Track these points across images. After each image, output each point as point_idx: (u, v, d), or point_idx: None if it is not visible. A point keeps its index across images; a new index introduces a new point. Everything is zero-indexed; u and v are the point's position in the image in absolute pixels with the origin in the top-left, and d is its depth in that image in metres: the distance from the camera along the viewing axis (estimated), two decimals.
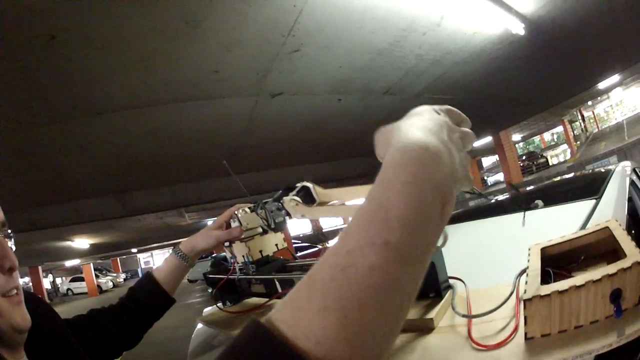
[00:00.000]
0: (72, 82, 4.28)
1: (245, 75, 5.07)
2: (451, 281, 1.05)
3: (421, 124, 0.52)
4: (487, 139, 18.52)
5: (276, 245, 1.52)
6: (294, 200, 1.20)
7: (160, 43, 4.04)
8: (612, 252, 0.75)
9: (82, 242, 17.55)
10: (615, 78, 13.37)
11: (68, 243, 16.40)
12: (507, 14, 4.98)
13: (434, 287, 1.01)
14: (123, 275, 42.62)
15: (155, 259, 55.36)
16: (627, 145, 19.50)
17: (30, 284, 26.31)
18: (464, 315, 0.88)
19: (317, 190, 1.19)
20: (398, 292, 0.40)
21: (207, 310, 1.95)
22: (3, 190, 6.55)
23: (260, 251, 1.47)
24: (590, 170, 4.25)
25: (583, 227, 1.41)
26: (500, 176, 39.72)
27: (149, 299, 1.38)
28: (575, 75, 9.99)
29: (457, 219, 2.70)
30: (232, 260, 1.50)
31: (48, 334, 0.98)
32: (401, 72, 6.32)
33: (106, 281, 34.77)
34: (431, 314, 0.92)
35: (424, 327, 0.90)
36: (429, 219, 0.44)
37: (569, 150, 36.28)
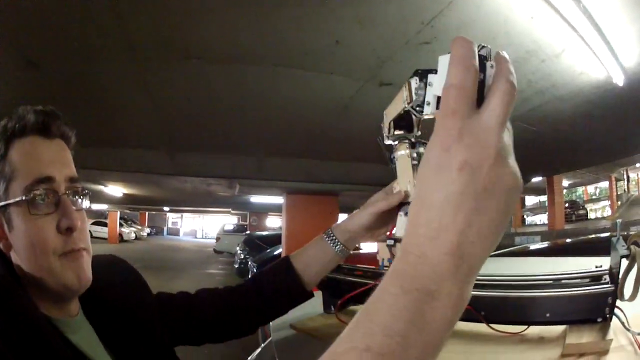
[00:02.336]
0: (165, 14, 3.80)
1: (365, 55, 4.65)
2: None
3: (450, 202, 0.42)
4: (537, 179, 18.22)
5: None
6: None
7: None
8: None
9: (115, 190, 17.30)
10: None
11: (100, 187, 15.85)
12: (614, 61, 4.93)
13: (602, 312, 1.03)
14: (147, 230, 43.01)
15: (184, 222, 55.65)
16: None
17: None
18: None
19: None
20: None
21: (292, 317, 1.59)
22: None
23: None
24: None
25: None
26: (537, 218, 39.20)
27: (276, 288, 1.17)
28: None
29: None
30: (387, 263, 1.10)
31: (121, 300, 0.97)
32: None
33: (129, 232, 35.11)
34: (610, 336, 0.98)
35: (602, 349, 0.96)
36: (431, 322, 0.40)
37: (608, 207, 35.60)
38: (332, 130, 7.16)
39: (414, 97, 0.73)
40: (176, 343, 1.10)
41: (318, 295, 1.63)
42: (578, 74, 5.33)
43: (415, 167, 0.96)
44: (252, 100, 5.97)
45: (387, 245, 1.02)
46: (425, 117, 0.67)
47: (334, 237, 1.15)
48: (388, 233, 1.08)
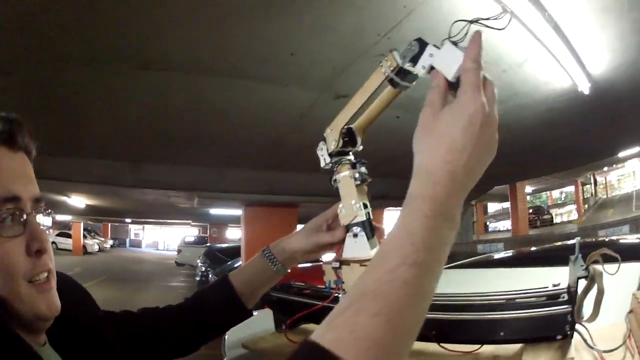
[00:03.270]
0: (124, 23, 3.69)
1: (321, 67, 4.60)
2: None
3: (456, 141, 0.59)
4: (500, 186, 18.56)
5: None
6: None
7: (244, 6, 3.52)
8: None
9: (78, 201, 17.07)
10: (635, 149, 12.93)
11: (64, 198, 15.70)
12: (580, 70, 4.96)
13: (562, 329, 1.03)
14: (110, 242, 42.86)
15: (146, 234, 55.35)
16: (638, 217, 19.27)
17: None
18: (604, 351, 0.98)
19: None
20: (424, 298, 0.54)
21: (237, 331, 1.49)
22: None
23: None
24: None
25: None
26: (500, 224, 39.82)
27: (216, 307, 1.18)
28: (608, 140, 9.88)
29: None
30: (334, 285, 1.05)
31: (77, 321, 0.91)
32: None
33: (93, 244, 34.73)
34: (571, 354, 0.99)
35: None
36: (445, 241, 0.57)
37: (574, 212, 36.39)
38: (290, 142, 7.15)
39: (400, 61, 0.81)
40: None
41: (270, 313, 1.64)
42: (542, 82, 5.37)
43: (359, 188, 0.98)
44: (209, 111, 5.94)
45: (333, 268, 1.02)
46: (417, 72, 0.79)
47: (272, 257, 1.16)
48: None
